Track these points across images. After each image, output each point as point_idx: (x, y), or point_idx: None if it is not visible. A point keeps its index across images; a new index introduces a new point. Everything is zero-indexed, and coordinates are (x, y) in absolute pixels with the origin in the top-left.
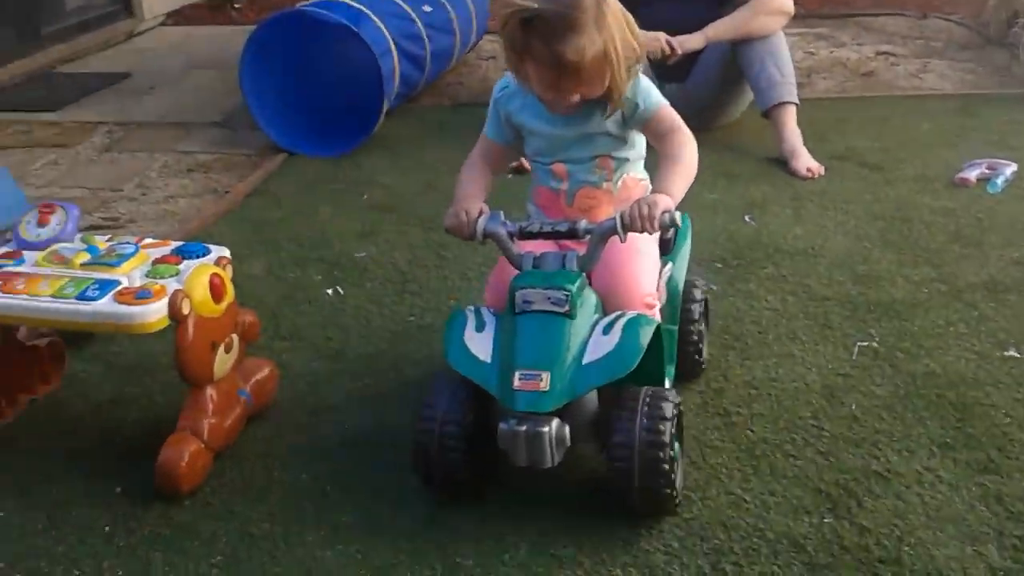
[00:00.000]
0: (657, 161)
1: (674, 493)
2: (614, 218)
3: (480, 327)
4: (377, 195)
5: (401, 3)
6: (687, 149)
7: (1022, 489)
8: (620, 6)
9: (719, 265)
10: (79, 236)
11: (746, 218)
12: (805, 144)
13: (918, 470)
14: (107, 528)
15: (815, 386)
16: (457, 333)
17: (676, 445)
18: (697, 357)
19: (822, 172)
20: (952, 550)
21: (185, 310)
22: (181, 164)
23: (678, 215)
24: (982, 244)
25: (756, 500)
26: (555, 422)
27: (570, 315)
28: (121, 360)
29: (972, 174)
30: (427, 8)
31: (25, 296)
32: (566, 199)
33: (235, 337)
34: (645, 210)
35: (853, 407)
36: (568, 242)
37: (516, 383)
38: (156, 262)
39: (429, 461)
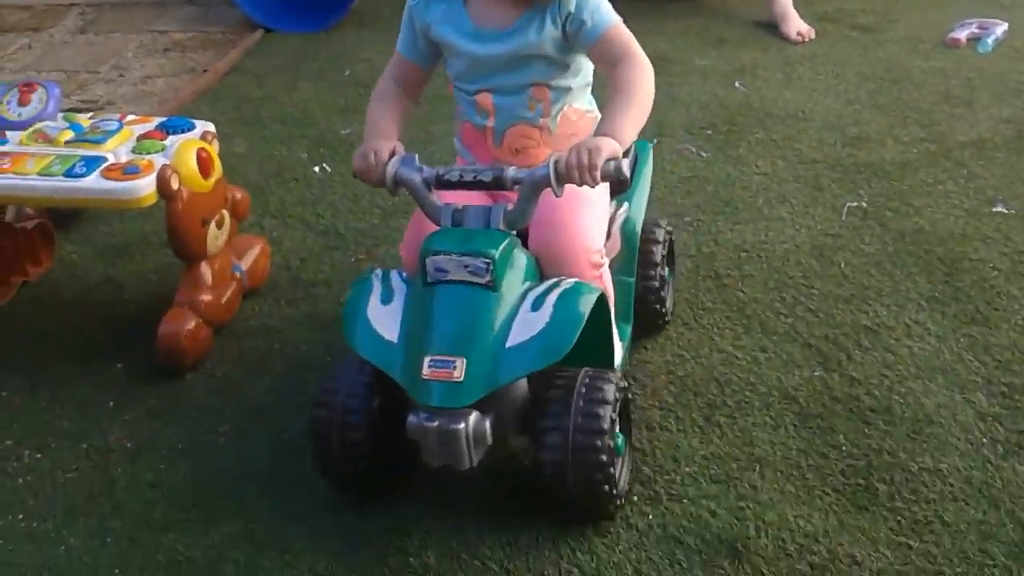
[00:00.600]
0: (607, 93)
1: (614, 493)
2: (547, 166)
3: (387, 298)
4: (360, 70)
5: None
6: (641, 80)
7: (1009, 339)
8: None
9: (709, 132)
10: (61, 115)
11: (736, 84)
12: (799, 5)
13: (907, 323)
14: (111, 403)
15: (805, 247)
16: (360, 305)
17: (620, 436)
18: (659, 308)
19: (812, 35)
20: (941, 398)
21: (174, 185)
22: (157, 44)
23: (626, 163)
24: (972, 103)
25: (748, 356)
26: (472, 417)
27: (492, 287)
28: (111, 240)
29: (962, 34)
30: None
31: (12, 175)
32: (493, 138)
33: (226, 213)
34: (584, 158)
35: (842, 265)
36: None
37: (425, 371)
38: (141, 138)
39: (328, 452)
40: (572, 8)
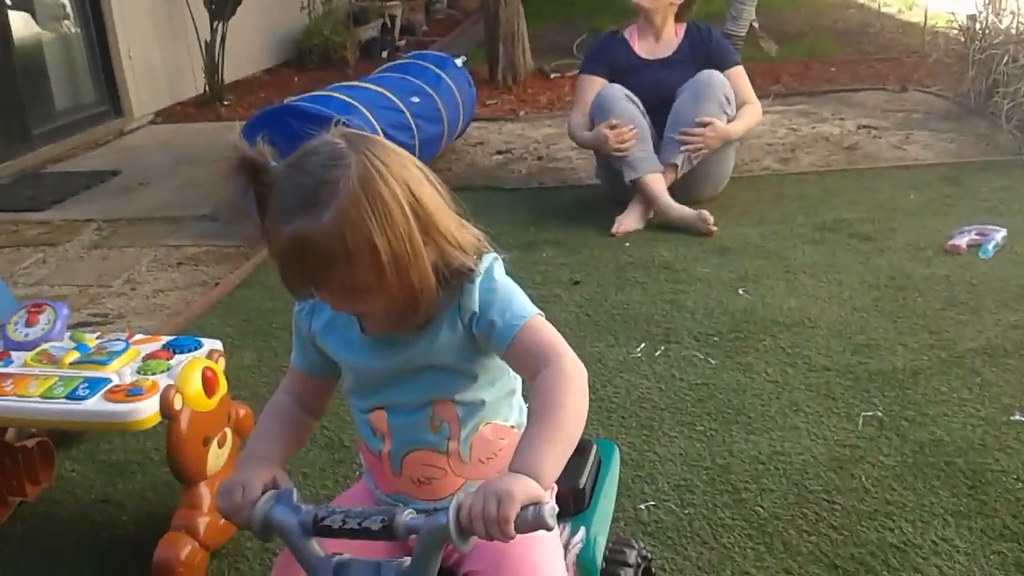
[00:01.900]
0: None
1: None
2: (446, 513)
3: None
4: None
5: (390, 95)
6: (567, 394)
7: None
8: (419, 175)
9: (715, 338)
10: (68, 334)
11: (740, 291)
12: (796, 216)
13: (934, 540)
14: None
15: (823, 458)
16: None
17: None
18: None
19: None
20: None
21: (177, 405)
22: (171, 258)
23: (548, 509)
24: (978, 309)
25: None
26: None
27: None
28: (112, 458)
29: (963, 240)
30: (415, 99)
31: (14, 397)
32: (391, 465)
33: (228, 431)
34: (492, 508)
35: (863, 479)
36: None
37: None
38: (147, 357)
39: None
40: (476, 307)
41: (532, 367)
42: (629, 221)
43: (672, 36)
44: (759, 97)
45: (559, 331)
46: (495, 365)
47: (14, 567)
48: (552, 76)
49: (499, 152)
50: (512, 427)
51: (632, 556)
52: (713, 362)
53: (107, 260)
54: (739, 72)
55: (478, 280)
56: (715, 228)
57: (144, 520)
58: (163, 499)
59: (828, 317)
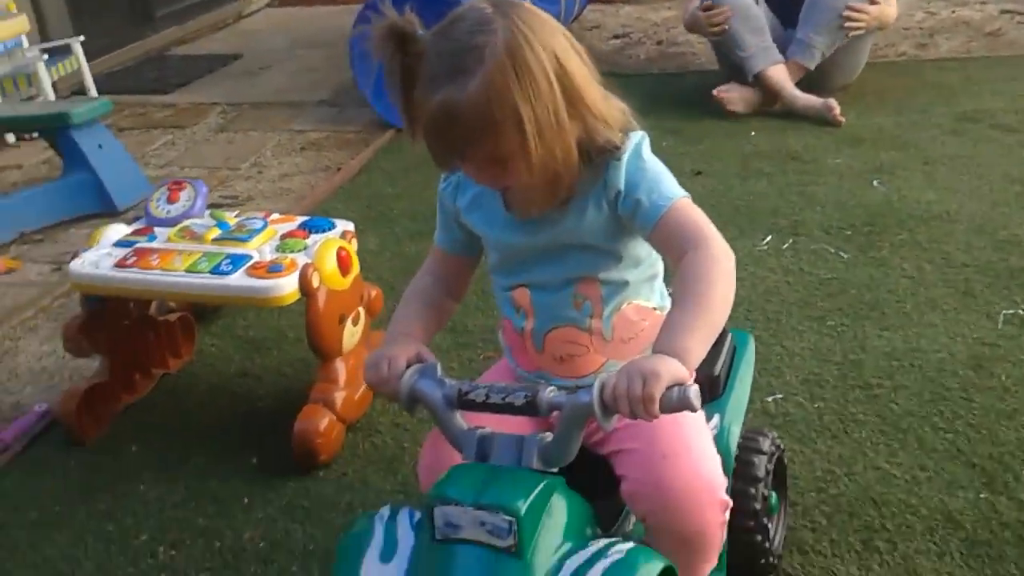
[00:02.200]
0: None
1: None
2: (590, 391)
3: (388, 552)
4: None
5: None
6: (716, 277)
7: None
8: (565, 44)
9: (848, 232)
10: (207, 212)
11: (875, 183)
12: (935, 106)
13: None
14: (245, 499)
15: (960, 356)
16: (352, 561)
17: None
18: (759, 541)
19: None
20: None
21: (315, 283)
22: (294, 143)
23: (693, 391)
24: None
25: (906, 475)
26: None
27: (516, 553)
28: (248, 334)
29: None
30: None
31: (160, 271)
32: (533, 342)
33: (361, 310)
34: (638, 387)
35: (1003, 378)
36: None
37: None
38: (284, 236)
39: None
40: (622, 186)
41: (678, 249)
42: (734, 99)
43: None
44: None
45: None
46: (639, 246)
47: (159, 436)
48: None
49: (616, 36)
50: (654, 309)
51: (766, 444)
52: (845, 256)
53: (233, 143)
54: None
55: (625, 157)
56: (842, 118)
57: (281, 394)
58: (298, 374)
59: (968, 211)
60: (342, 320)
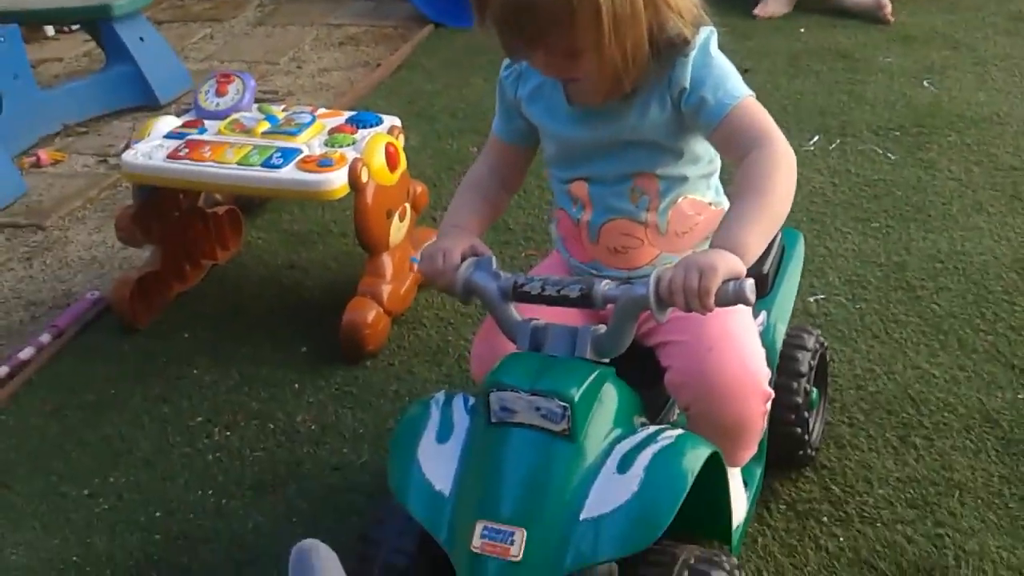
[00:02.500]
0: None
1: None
2: (646, 285)
3: (444, 435)
4: None
5: None
6: (778, 175)
7: None
8: None
9: (896, 133)
10: (256, 106)
11: (925, 83)
12: (989, 3)
13: None
14: (296, 385)
15: (1005, 259)
16: (410, 442)
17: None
18: (799, 432)
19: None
20: None
21: (364, 178)
22: (332, 37)
23: (749, 284)
24: None
25: (945, 375)
26: None
27: (570, 437)
28: (294, 228)
29: None
30: None
31: (213, 163)
32: (589, 233)
33: (407, 206)
34: (694, 280)
35: None
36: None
37: (476, 542)
38: (332, 131)
39: None
40: (687, 83)
41: (742, 148)
42: (775, 4)
43: None
44: None
45: None
46: (699, 143)
47: (210, 324)
48: None
49: None
50: (709, 204)
51: (810, 342)
52: (892, 157)
53: (271, 37)
54: None
55: (692, 54)
56: (893, 17)
57: (328, 286)
58: (344, 268)
59: (1019, 114)
60: (389, 215)
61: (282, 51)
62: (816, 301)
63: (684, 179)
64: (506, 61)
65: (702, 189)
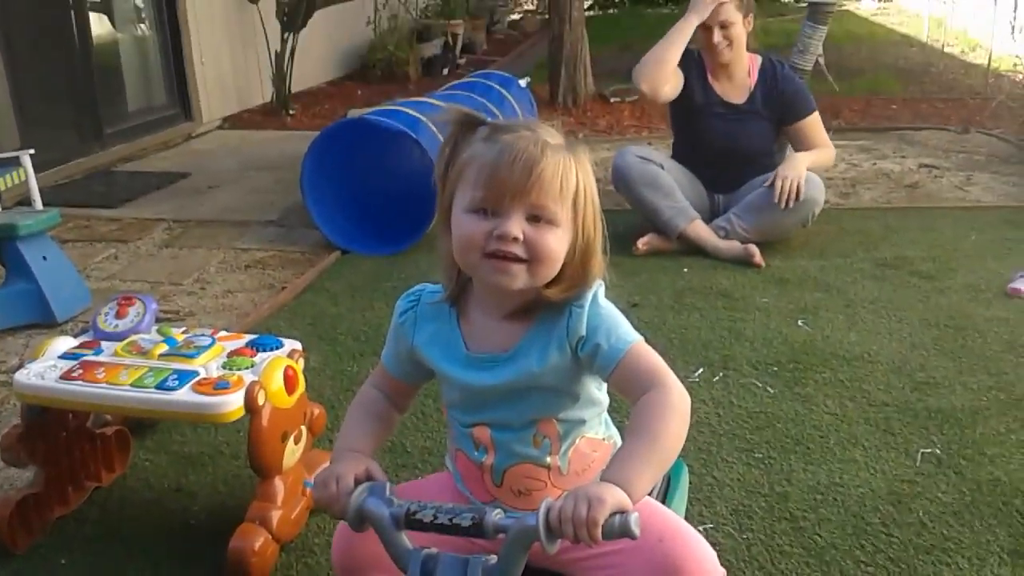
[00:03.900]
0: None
1: None
2: (535, 515)
3: None
4: None
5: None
6: (669, 417)
7: None
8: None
9: (775, 368)
10: (155, 328)
11: (799, 322)
12: (856, 252)
13: None
14: None
15: (881, 492)
16: None
17: None
18: None
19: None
20: None
21: (260, 401)
22: (239, 260)
23: (634, 518)
24: None
25: None
26: None
27: None
28: (184, 450)
29: (1023, 285)
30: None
31: (106, 384)
32: (492, 476)
33: (304, 429)
34: (583, 510)
35: (921, 514)
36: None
37: None
38: (232, 354)
39: None
40: (583, 331)
41: (637, 389)
42: (655, 239)
43: (744, 77)
44: None
45: None
46: (594, 385)
47: (90, 549)
48: (612, 100)
49: None
50: (603, 440)
51: None
52: (772, 391)
53: (177, 259)
54: (815, 120)
55: (586, 305)
56: (762, 262)
57: (216, 510)
58: (233, 491)
59: (888, 353)
60: (284, 438)
61: (187, 272)
62: (705, 531)
63: (582, 421)
64: (405, 298)
65: (596, 427)
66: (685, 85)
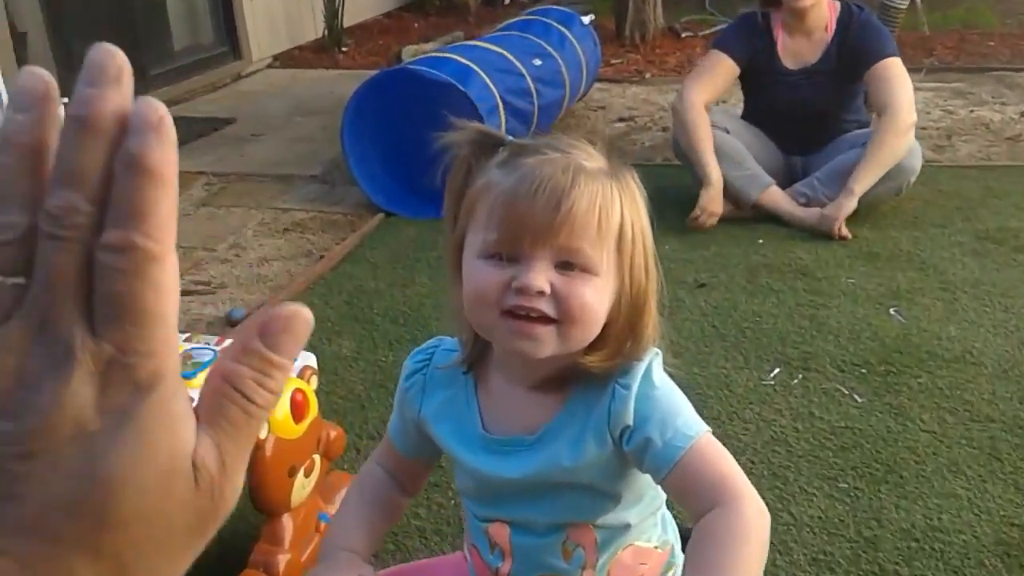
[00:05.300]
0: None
1: None
2: None
3: None
4: None
5: (511, 57)
6: (747, 546)
7: None
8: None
9: (863, 370)
10: None
11: (892, 311)
12: (954, 220)
13: None
14: None
15: (987, 540)
16: None
17: None
18: None
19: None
20: None
21: (262, 434)
22: (278, 222)
23: None
24: None
25: None
26: None
27: None
28: None
29: None
30: (537, 62)
31: None
32: None
33: (316, 458)
34: None
35: None
36: None
37: None
38: None
39: None
40: (630, 419)
41: (701, 502)
42: (708, 221)
43: (823, 32)
44: (908, 71)
45: (682, 343)
46: (644, 481)
47: None
48: (683, 35)
49: (621, 119)
50: (655, 548)
51: None
52: (859, 400)
53: (214, 220)
54: (888, 66)
55: (635, 385)
56: (847, 234)
57: (214, 554)
58: (237, 532)
59: (993, 352)
60: (292, 472)
61: (223, 236)
62: None
63: (627, 527)
64: (410, 363)
65: (648, 531)
66: (750, 59)
